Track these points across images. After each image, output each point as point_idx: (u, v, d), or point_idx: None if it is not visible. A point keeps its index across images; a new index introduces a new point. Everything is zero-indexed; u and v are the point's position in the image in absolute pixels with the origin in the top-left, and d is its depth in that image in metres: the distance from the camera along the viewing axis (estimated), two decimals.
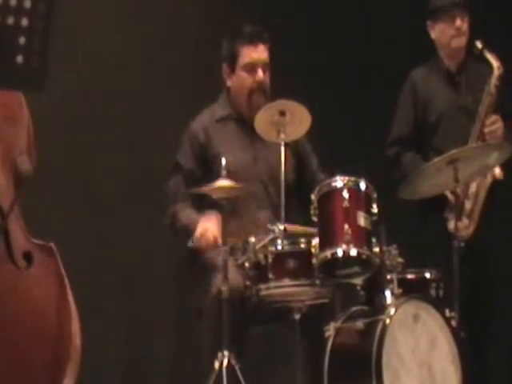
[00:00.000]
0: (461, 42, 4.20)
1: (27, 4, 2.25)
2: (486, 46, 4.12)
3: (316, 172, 4.00)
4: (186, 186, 3.78)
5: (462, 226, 3.92)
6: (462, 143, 4.00)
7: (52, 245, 2.55)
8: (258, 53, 3.89)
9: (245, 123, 3.92)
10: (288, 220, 3.56)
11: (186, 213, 3.76)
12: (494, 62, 4.11)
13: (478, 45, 4.14)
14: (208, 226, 3.63)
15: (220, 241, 3.52)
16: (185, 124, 3.94)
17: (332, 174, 3.64)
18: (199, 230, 3.64)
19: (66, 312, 2.49)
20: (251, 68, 3.88)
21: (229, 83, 3.95)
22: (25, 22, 2.25)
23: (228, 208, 3.54)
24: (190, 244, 3.66)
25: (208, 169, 3.82)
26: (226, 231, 3.50)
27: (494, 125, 4.09)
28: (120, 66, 4.44)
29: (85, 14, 4.36)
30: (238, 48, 3.89)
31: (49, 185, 3.96)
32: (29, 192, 2.60)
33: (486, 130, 4.08)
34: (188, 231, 3.68)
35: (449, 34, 4.22)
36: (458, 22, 4.18)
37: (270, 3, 4.82)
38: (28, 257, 2.47)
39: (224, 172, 3.51)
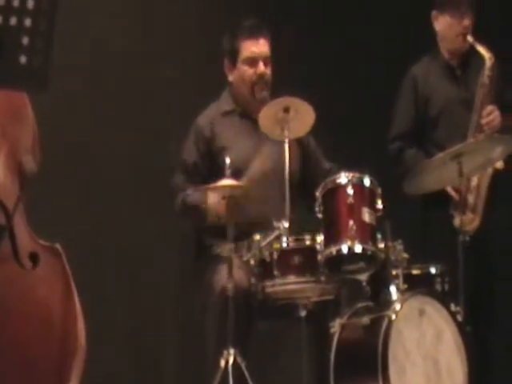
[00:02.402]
0: (466, 40, 4.17)
1: (30, 4, 2.25)
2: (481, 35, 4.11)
3: (322, 163, 3.99)
4: (190, 182, 3.77)
5: (466, 221, 3.91)
6: (463, 137, 4.00)
7: (58, 246, 2.56)
8: (259, 46, 3.89)
9: (249, 118, 3.92)
10: (293, 216, 3.56)
11: (196, 192, 3.72)
12: (486, 54, 4.11)
13: (469, 38, 4.14)
14: (214, 204, 3.60)
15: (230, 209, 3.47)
16: (187, 120, 3.94)
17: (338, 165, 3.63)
18: (210, 204, 3.61)
19: (71, 312, 2.50)
20: (252, 61, 3.88)
21: (230, 78, 3.95)
22: (28, 22, 2.25)
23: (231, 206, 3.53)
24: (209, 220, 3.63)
25: (213, 162, 3.82)
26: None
27: (491, 115, 4.08)
28: (123, 66, 4.45)
29: (88, 14, 4.36)
30: (239, 42, 3.89)
31: (52, 183, 3.97)
32: (33, 191, 2.60)
33: (483, 121, 4.08)
34: (199, 209, 3.66)
35: (455, 30, 4.18)
36: (467, 21, 4.15)
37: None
38: (34, 257, 2.47)
39: (228, 171, 3.50)
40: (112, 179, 4.37)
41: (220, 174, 3.56)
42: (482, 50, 4.12)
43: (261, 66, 3.88)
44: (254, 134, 3.88)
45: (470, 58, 4.24)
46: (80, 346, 2.50)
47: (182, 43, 4.64)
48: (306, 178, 3.95)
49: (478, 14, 4.16)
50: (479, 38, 4.13)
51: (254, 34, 3.88)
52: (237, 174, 3.56)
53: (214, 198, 3.61)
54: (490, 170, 4.06)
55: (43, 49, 2.26)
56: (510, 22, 5.09)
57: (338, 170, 3.69)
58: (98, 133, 4.35)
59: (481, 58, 4.11)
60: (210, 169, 3.78)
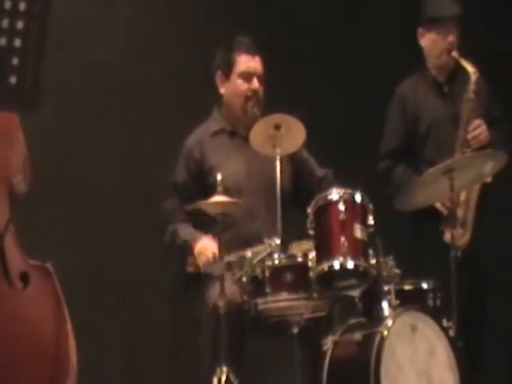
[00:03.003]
0: (451, 56, 4.20)
1: (20, 25, 2.25)
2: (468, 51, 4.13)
3: (316, 171, 4.00)
4: (182, 204, 3.78)
5: (457, 236, 3.92)
6: (452, 153, 4.02)
7: (49, 265, 2.56)
8: (255, 63, 3.91)
9: (239, 136, 3.93)
10: (285, 232, 3.57)
11: (186, 230, 3.77)
12: (470, 68, 4.14)
13: (454, 54, 4.17)
14: (207, 244, 3.64)
15: (218, 258, 3.51)
16: (181, 141, 3.94)
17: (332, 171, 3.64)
18: (198, 247, 3.65)
19: (62, 332, 2.49)
20: (247, 76, 3.89)
21: (222, 90, 3.95)
22: (18, 42, 2.25)
23: (224, 224, 3.53)
24: (189, 269, 3.67)
25: (204, 183, 3.82)
26: (222, 247, 3.50)
27: (477, 130, 4.10)
28: (114, 85, 4.44)
29: (77, 32, 4.36)
30: (235, 56, 3.90)
31: (43, 204, 3.96)
32: (23, 211, 2.60)
33: (469, 135, 4.10)
34: (188, 246, 3.69)
35: (441, 46, 4.23)
36: (451, 37, 4.19)
37: (260, 17, 4.81)
38: (25, 277, 2.47)
39: (220, 188, 3.51)
40: (104, 202, 4.36)
41: (211, 194, 3.55)
42: (466, 65, 4.15)
43: (255, 82, 3.89)
44: (243, 153, 3.89)
45: (457, 74, 4.26)
46: (71, 367, 2.50)
47: (173, 63, 4.64)
48: (301, 188, 3.95)
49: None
50: (465, 54, 4.15)
51: (250, 50, 3.90)
52: (228, 192, 3.56)
53: (202, 243, 3.63)
54: (478, 184, 4.08)
55: (33, 69, 2.26)
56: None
57: (333, 177, 3.70)
58: (89, 153, 4.35)
59: (466, 73, 4.13)
60: (201, 190, 3.77)
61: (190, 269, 3.69)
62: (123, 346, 4.33)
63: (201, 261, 3.64)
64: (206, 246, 3.63)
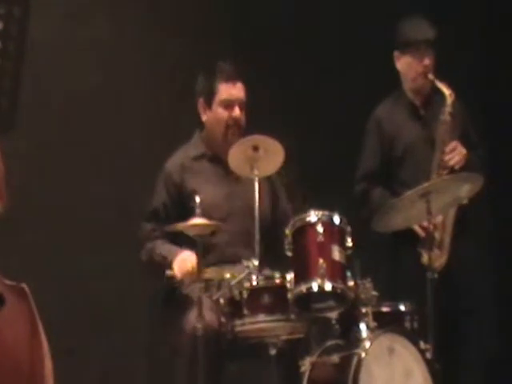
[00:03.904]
0: (427, 79, 4.23)
1: None
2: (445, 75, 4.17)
3: (283, 204, 4.00)
4: (161, 227, 3.77)
5: (434, 258, 3.93)
6: (428, 175, 4.04)
7: (24, 286, 2.54)
8: (236, 90, 3.91)
9: (219, 161, 3.93)
10: (264, 256, 3.57)
11: (164, 246, 3.76)
12: (446, 90, 4.16)
13: (430, 76, 4.20)
14: (186, 256, 3.62)
15: (197, 271, 3.50)
16: (159, 165, 3.93)
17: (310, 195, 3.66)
18: (178, 258, 3.65)
19: (38, 353, 2.47)
20: (228, 104, 3.89)
21: (204, 118, 3.96)
22: None
23: (203, 246, 3.53)
24: (167, 273, 3.65)
25: (183, 207, 3.81)
26: (201, 268, 3.50)
27: (454, 151, 4.13)
28: (92, 104, 4.44)
29: (55, 52, 4.36)
30: (216, 84, 3.90)
31: (21, 225, 3.95)
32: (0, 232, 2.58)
33: (446, 157, 4.12)
34: (166, 262, 3.68)
35: (416, 70, 4.25)
36: (427, 60, 4.23)
37: (239, 40, 4.84)
38: None
39: (198, 210, 3.51)
40: (80, 225, 4.35)
41: (189, 218, 3.55)
42: (442, 87, 4.18)
43: (236, 110, 3.89)
44: (224, 179, 3.90)
45: (433, 96, 4.29)
46: None
47: (155, 83, 4.66)
48: (274, 217, 3.96)
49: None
50: (440, 77, 4.19)
51: (231, 78, 3.90)
52: (207, 215, 3.56)
53: (182, 256, 3.62)
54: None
55: (10, 90, 2.27)
56: None
57: (294, 213, 3.71)
58: (68, 173, 4.34)
59: (442, 95, 4.17)
60: (181, 214, 3.76)
61: (168, 273, 3.66)
62: (98, 372, 4.30)
63: (180, 270, 3.62)
64: (186, 258, 3.62)
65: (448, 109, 4.15)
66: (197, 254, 3.52)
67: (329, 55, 5.08)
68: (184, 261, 3.62)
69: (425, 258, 3.92)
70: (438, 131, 4.17)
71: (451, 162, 4.12)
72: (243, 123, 3.91)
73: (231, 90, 3.89)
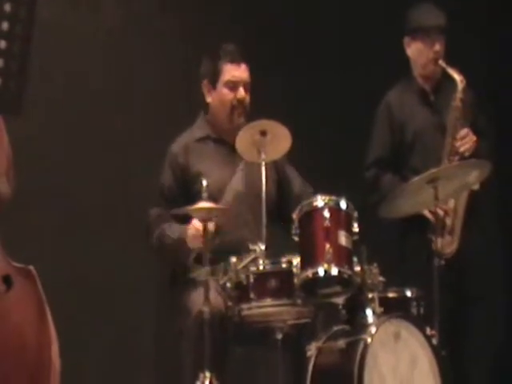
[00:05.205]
0: (438, 65, 4.22)
1: (5, 26, 2.26)
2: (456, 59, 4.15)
3: (300, 192, 3.99)
4: (168, 209, 3.76)
5: (445, 244, 3.93)
6: (439, 161, 4.04)
7: (31, 268, 2.55)
8: (240, 71, 3.91)
9: (224, 143, 3.93)
10: (270, 239, 3.57)
11: (173, 228, 3.75)
12: (457, 76, 4.15)
13: (440, 62, 4.19)
14: (197, 224, 3.59)
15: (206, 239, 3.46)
16: (164, 148, 3.94)
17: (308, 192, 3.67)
18: (190, 227, 3.63)
19: (45, 335, 2.49)
20: (233, 85, 3.89)
21: (208, 99, 3.96)
22: (3, 44, 2.26)
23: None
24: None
25: (189, 189, 3.81)
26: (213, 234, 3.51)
27: (465, 138, 4.12)
28: (99, 89, 4.44)
29: (63, 37, 4.36)
30: (221, 65, 3.90)
31: (27, 207, 3.95)
32: (7, 214, 2.59)
33: (458, 143, 4.11)
34: (180, 241, 3.67)
35: (427, 56, 4.24)
36: (438, 46, 4.21)
37: (247, 26, 4.82)
38: (7, 280, 2.46)
39: (205, 194, 3.51)
40: (90, 207, 4.35)
41: (196, 201, 3.55)
42: (453, 73, 4.16)
43: (241, 91, 3.89)
44: (228, 160, 3.90)
45: (443, 82, 4.28)
46: (54, 370, 2.49)
47: (157, 73, 4.64)
48: (281, 201, 3.96)
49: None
50: (452, 62, 4.18)
51: (236, 59, 3.90)
52: (213, 198, 3.56)
53: (194, 225, 3.60)
54: (465, 192, 4.09)
55: (18, 73, 2.26)
56: None
57: (308, 197, 3.70)
58: (73, 157, 4.34)
59: (453, 81, 4.15)
60: (186, 196, 3.76)
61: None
62: (104, 352, 4.31)
63: (189, 237, 3.61)
64: (197, 226, 3.59)
65: (459, 95, 4.14)
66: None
67: (339, 37, 5.07)
68: (196, 229, 3.59)
69: (435, 244, 3.89)
70: (449, 117, 4.16)
71: (462, 149, 4.12)
72: (248, 104, 3.91)
73: (235, 71, 3.89)
